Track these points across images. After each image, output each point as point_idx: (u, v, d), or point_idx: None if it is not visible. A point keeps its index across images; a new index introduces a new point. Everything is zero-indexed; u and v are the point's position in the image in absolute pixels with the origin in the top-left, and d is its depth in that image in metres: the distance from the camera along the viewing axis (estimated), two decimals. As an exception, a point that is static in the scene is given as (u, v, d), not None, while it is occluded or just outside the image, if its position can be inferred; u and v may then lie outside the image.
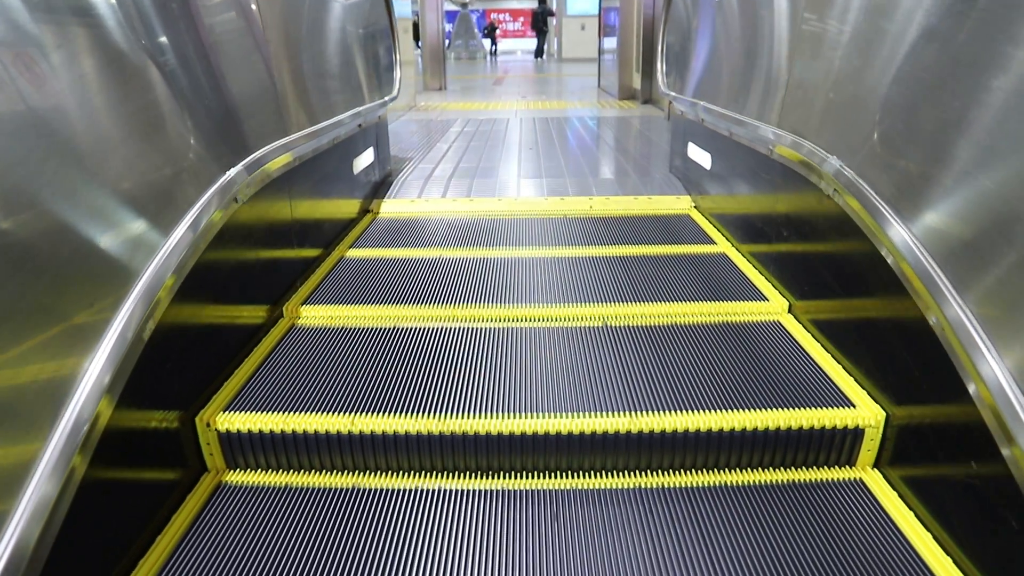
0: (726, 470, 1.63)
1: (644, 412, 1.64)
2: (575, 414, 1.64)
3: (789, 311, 2.23)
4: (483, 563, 1.35)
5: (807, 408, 1.65)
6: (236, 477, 1.62)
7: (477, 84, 12.38)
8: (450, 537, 1.43)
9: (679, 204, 3.52)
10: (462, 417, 1.64)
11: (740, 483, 1.58)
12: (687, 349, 1.97)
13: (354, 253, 2.82)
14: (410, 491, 1.57)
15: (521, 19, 32.61)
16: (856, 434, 1.61)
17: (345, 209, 3.16)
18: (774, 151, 2.30)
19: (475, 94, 10.35)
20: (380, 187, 3.86)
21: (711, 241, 2.93)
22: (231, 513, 1.49)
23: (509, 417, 1.63)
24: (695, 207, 3.47)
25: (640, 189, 3.76)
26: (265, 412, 1.66)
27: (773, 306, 2.25)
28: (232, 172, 1.84)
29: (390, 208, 3.53)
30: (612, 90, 9.37)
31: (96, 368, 1.18)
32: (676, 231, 3.08)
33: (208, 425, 1.61)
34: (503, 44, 30.40)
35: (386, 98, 3.93)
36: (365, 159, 3.50)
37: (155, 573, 1.32)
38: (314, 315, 2.25)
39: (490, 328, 2.12)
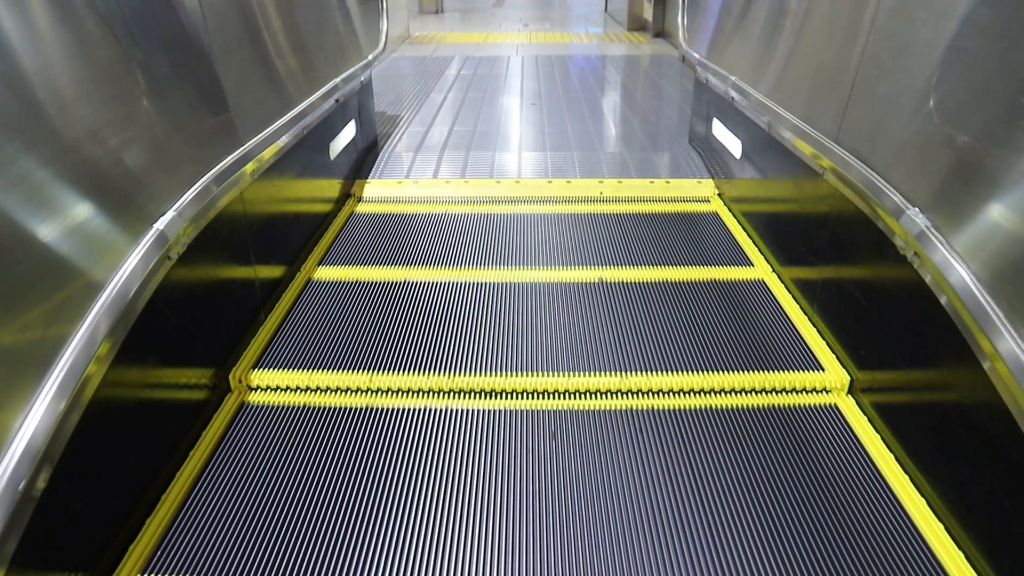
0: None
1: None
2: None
3: (849, 391, 1.85)
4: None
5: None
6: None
7: (476, 6, 11.54)
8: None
9: (701, 190, 3.12)
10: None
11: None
12: (726, 459, 1.66)
13: (323, 274, 2.42)
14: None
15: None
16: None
17: (321, 201, 2.77)
18: (826, 171, 1.90)
19: (474, 20, 9.61)
20: (365, 160, 3.44)
21: (747, 261, 2.50)
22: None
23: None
24: (719, 194, 3.08)
25: (655, 165, 3.35)
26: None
27: (829, 377, 1.86)
28: (162, 222, 1.47)
29: (374, 192, 3.13)
30: (620, 18, 8.66)
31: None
32: (703, 240, 2.66)
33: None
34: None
35: (370, 57, 3.45)
36: (345, 136, 3.07)
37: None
38: (271, 383, 1.87)
39: (487, 410, 1.79)
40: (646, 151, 3.59)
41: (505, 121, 4.17)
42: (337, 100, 2.86)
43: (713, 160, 3.24)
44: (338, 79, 2.84)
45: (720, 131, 3.10)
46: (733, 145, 2.89)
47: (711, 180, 3.19)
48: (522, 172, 3.29)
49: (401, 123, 4.16)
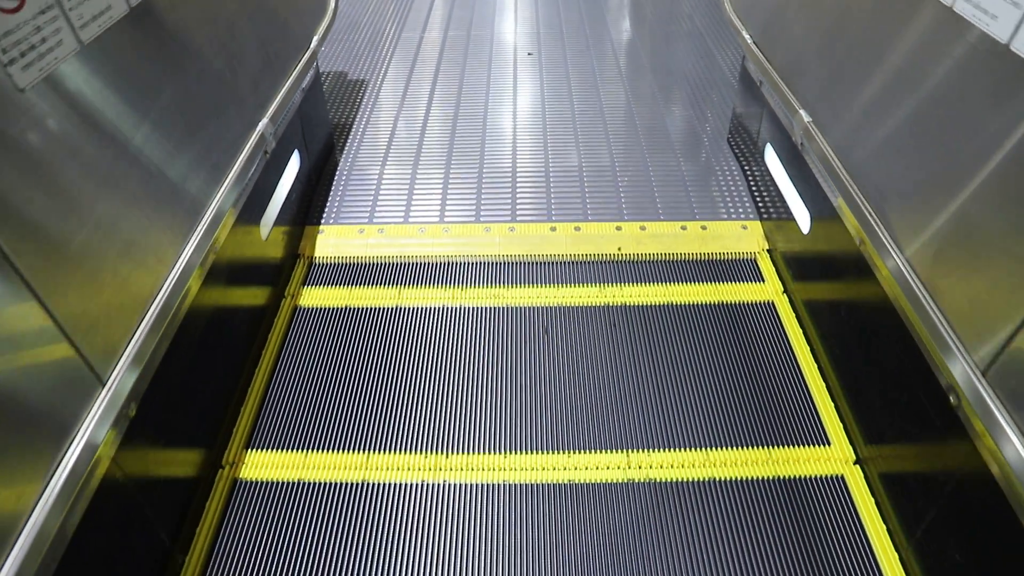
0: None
1: None
2: None
3: None
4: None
5: None
6: None
7: None
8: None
9: (746, 241, 2.43)
10: None
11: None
12: None
13: (258, 471, 1.79)
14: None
15: None
16: None
17: (248, 318, 2.10)
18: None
19: None
20: (317, 188, 2.70)
21: (823, 439, 1.82)
22: None
23: None
24: (770, 251, 2.39)
25: (686, 187, 2.63)
26: None
27: None
28: None
29: (328, 252, 2.41)
30: None
31: None
32: (757, 376, 2.02)
33: None
34: None
35: (314, 41, 2.59)
36: (283, 187, 2.32)
37: None
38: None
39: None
40: (673, 169, 2.82)
41: (494, 122, 3.35)
42: (266, 153, 2.11)
43: (762, 191, 2.53)
44: (263, 123, 2.06)
45: (777, 170, 2.36)
46: (796, 207, 2.18)
47: (758, 223, 2.50)
48: (516, 214, 2.57)
49: (361, 103, 3.32)
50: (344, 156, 2.89)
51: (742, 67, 2.73)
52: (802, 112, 2.04)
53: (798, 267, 2.20)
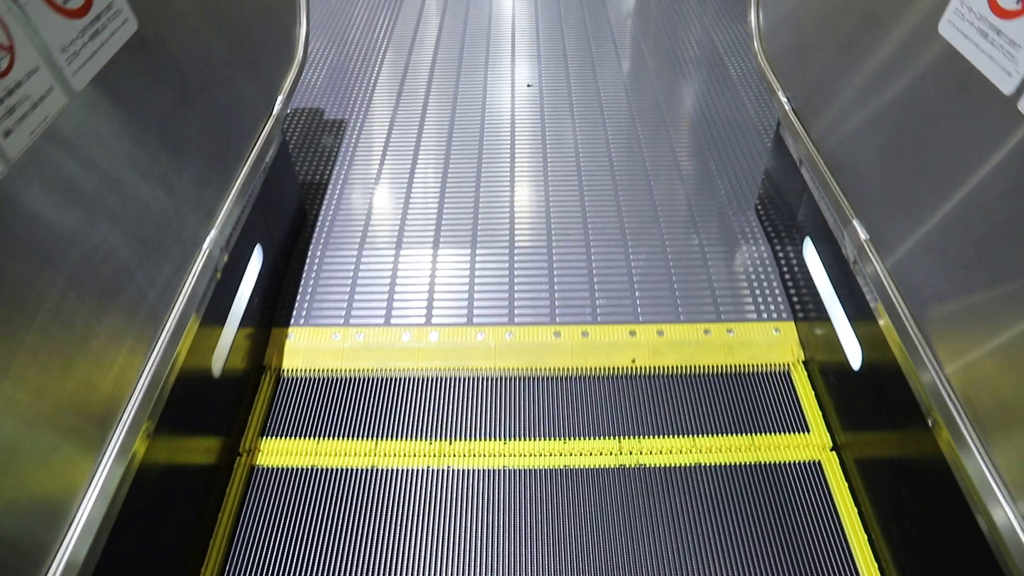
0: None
1: None
2: None
3: None
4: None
5: None
6: None
7: None
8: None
9: (778, 350, 2.11)
10: None
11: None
12: None
13: None
14: None
15: None
16: None
17: (201, 484, 1.77)
18: None
19: None
20: (284, 279, 2.36)
21: None
22: None
23: None
24: (805, 363, 2.08)
25: (711, 283, 2.29)
26: None
27: None
28: None
29: (298, 363, 2.09)
30: None
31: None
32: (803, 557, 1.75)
33: None
34: None
35: (277, 105, 2.21)
36: (236, 314, 1.97)
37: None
38: None
39: None
40: (695, 254, 2.45)
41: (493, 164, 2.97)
42: (217, 273, 1.76)
43: (799, 285, 2.20)
44: (211, 237, 1.70)
45: (819, 277, 2.03)
46: (844, 335, 1.85)
47: (792, 326, 2.17)
48: (515, 292, 2.24)
49: (336, 161, 2.94)
50: (317, 233, 2.53)
51: (777, 132, 2.37)
52: (857, 224, 1.70)
53: (845, 406, 1.88)
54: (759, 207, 2.59)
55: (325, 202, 2.67)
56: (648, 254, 2.42)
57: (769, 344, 2.13)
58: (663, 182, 2.74)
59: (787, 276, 2.31)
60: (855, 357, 1.78)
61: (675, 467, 1.84)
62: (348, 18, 3.95)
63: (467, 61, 3.53)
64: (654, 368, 2.07)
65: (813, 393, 2.02)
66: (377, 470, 1.84)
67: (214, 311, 1.77)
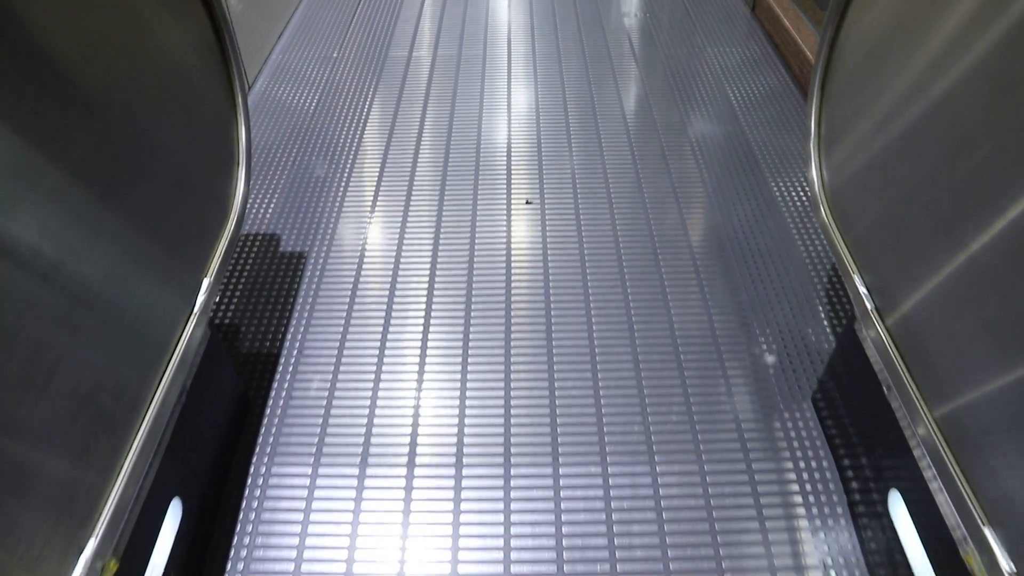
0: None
1: None
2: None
3: None
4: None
5: None
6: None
7: None
8: None
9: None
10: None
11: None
12: None
13: None
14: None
15: None
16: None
17: None
18: None
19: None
20: (213, 525, 1.78)
21: None
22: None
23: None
24: None
25: (765, 537, 1.71)
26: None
27: None
28: None
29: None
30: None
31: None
32: None
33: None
34: None
35: (199, 302, 1.68)
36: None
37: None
38: None
39: None
40: (744, 504, 1.88)
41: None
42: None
43: (885, 557, 1.62)
44: (91, 548, 1.14)
45: (914, 550, 1.46)
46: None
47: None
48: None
49: (286, 340, 2.42)
50: (260, 448, 1.98)
51: (849, 327, 1.84)
52: (994, 544, 1.15)
53: None
54: (815, 399, 2.05)
55: (270, 401, 2.13)
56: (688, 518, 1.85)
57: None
58: (701, 397, 2.21)
59: (869, 539, 1.72)
60: None
61: None
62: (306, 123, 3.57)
63: (451, 180, 3.10)
64: None
65: None
66: None
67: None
